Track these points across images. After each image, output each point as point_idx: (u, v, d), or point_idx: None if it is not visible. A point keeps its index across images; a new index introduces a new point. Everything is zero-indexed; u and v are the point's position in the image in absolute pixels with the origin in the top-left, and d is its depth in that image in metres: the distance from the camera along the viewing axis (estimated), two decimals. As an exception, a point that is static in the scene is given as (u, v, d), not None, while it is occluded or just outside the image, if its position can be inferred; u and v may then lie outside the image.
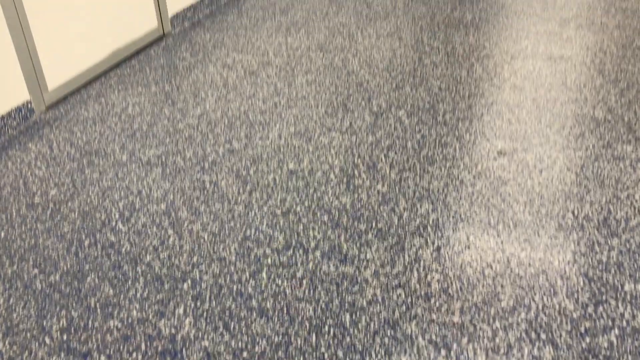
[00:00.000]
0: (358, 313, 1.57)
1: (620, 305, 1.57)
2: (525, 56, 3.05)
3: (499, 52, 3.10)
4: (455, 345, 1.46)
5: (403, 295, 1.62)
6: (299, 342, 1.49)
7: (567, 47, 3.13)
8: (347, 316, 1.56)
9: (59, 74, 2.76)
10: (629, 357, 1.42)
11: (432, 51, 3.15)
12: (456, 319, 1.54)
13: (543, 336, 1.48)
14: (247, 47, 3.28)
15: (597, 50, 3.09)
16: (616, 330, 1.49)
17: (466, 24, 3.47)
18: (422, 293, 1.63)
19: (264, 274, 1.72)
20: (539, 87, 2.74)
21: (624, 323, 1.51)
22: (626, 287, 1.62)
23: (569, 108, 2.55)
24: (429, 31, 3.40)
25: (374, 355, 1.45)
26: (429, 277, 1.68)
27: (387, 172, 2.17)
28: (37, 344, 1.52)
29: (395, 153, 2.28)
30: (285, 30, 3.49)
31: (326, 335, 1.51)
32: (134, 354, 1.47)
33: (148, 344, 1.50)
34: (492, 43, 3.22)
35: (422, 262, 1.74)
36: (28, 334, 1.55)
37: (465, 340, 1.48)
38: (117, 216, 1.99)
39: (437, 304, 1.59)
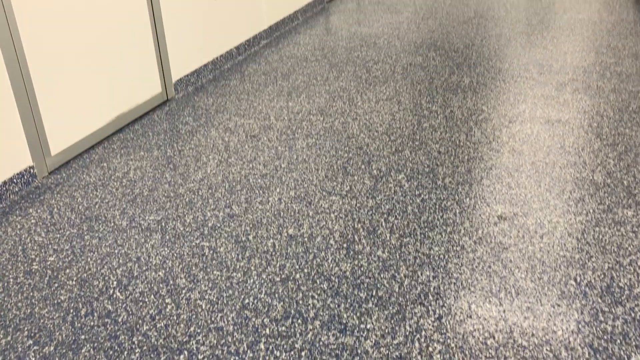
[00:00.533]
0: (358, 387, 1.53)
1: (627, 378, 1.53)
2: (523, 120, 3.09)
3: (497, 116, 3.15)
4: (458, 422, 1.42)
5: (404, 368, 1.58)
6: (297, 419, 1.44)
7: (565, 111, 3.18)
8: (347, 390, 1.52)
9: (62, 138, 2.80)
10: None
11: (431, 115, 3.19)
12: (459, 393, 1.50)
13: (549, 412, 1.44)
14: (249, 111, 3.34)
15: (594, 113, 3.13)
16: (624, 406, 1.45)
17: (464, 88, 3.53)
18: (424, 365, 1.59)
19: (261, 345, 1.68)
20: (538, 150, 2.76)
21: (632, 397, 1.47)
22: (633, 359, 1.59)
23: (568, 172, 2.56)
24: (427, 95, 3.46)
25: None
26: (430, 348, 1.65)
27: (388, 237, 2.16)
28: (27, 420, 1.47)
29: (396, 217, 2.28)
30: (286, 95, 3.56)
31: (325, 411, 1.46)
32: None
33: (142, 420, 1.46)
34: (490, 107, 3.27)
35: (423, 332, 1.71)
36: (19, 410, 1.51)
37: (468, 416, 1.44)
38: (114, 284, 1.98)
39: (439, 376, 1.55)
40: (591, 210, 2.28)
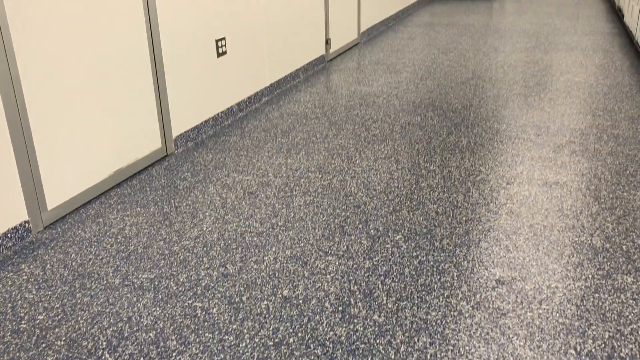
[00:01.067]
0: None
1: None
2: (521, 181, 3.09)
3: (494, 177, 3.15)
4: None
5: None
6: None
7: (562, 173, 3.18)
8: None
9: (59, 193, 2.79)
10: None
11: (429, 174, 3.20)
12: None
13: None
14: (247, 168, 3.34)
15: (592, 176, 3.14)
16: None
17: (462, 148, 3.55)
18: None
19: (252, 414, 1.63)
20: (536, 213, 2.75)
21: None
22: None
23: (567, 236, 2.54)
24: (425, 155, 3.48)
25: None
26: (426, 420, 1.59)
27: (384, 300, 2.12)
28: None
29: (392, 280, 2.24)
30: (285, 152, 3.57)
31: None
32: None
33: None
34: (487, 168, 3.28)
35: (419, 403, 1.65)
36: None
37: None
38: (104, 345, 1.93)
39: None
40: (590, 276, 2.25)
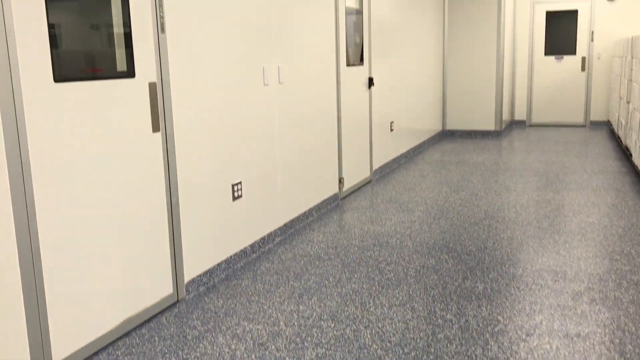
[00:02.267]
0: None
1: None
2: (540, 333, 2.98)
3: (513, 328, 3.05)
4: None
5: None
6: None
7: (583, 324, 3.08)
8: None
9: (66, 344, 2.73)
10: None
11: (446, 324, 3.11)
12: None
13: None
14: (258, 315, 3.28)
15: (615, 328, 3.02)
16: None
17: (478, 295, 3.48)
18: None
19: None
20: (559, 370, 2.62)
21: None
22: None
23: (594, 398, 2.40)
24: (441, 302, 3.40)
25: None
26: None
27: None
28: None
29: None
30: (297, 297, 3.52)
31: None
32: None
33: None
34: (505, 317, 3.18)
35: None
36: None
37: None
38: None
39: None
40: None
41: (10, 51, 2.42)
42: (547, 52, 11.17)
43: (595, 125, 11.09)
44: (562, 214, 5.21)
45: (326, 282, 3.76)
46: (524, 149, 8.70)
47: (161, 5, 3.26)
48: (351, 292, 3.59)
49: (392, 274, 3.87)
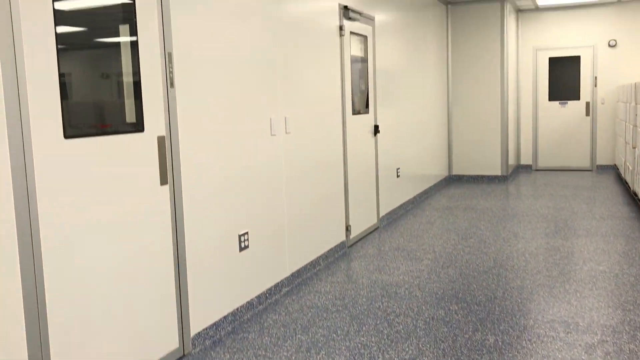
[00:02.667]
0: None
1: None
2: (555, 389, 2.91)
3: (526, 384, 2.97)
4: None
5: None
6: None
7: (599, 379, 3.00)
8: None
9: (70, 403, 2.68)
10: None
11: (457, 380, 3.04)
12: None
13: None
14: (265, 371, 3.22)
15: (631, 383, 2.95)
16: None
17: (489, 348, 3.41)
18: None
19: None
20: None
21: None
22: None
23: None
24: (452, 356, 3.33)
25: None
26: None
27: None
28: None
29: None
30: (305, 351, 3.46)
31: None
32: None
33: None
34: (518, 372, 3.11)
35: None
36: None
37: None
38: None
39: None
40: None
41: (22, 106, 2.45)
42: (551, 97, 11.27)
43: (602, 169, 11.08)
44: (572, 261, 5.15)
45: (334, 335, 3.70)
46: (531, 194, 8.68)
47: (171, 61, 3.32)
48: (360, 345, 3.53)
49: (401, 326, 3.81)
